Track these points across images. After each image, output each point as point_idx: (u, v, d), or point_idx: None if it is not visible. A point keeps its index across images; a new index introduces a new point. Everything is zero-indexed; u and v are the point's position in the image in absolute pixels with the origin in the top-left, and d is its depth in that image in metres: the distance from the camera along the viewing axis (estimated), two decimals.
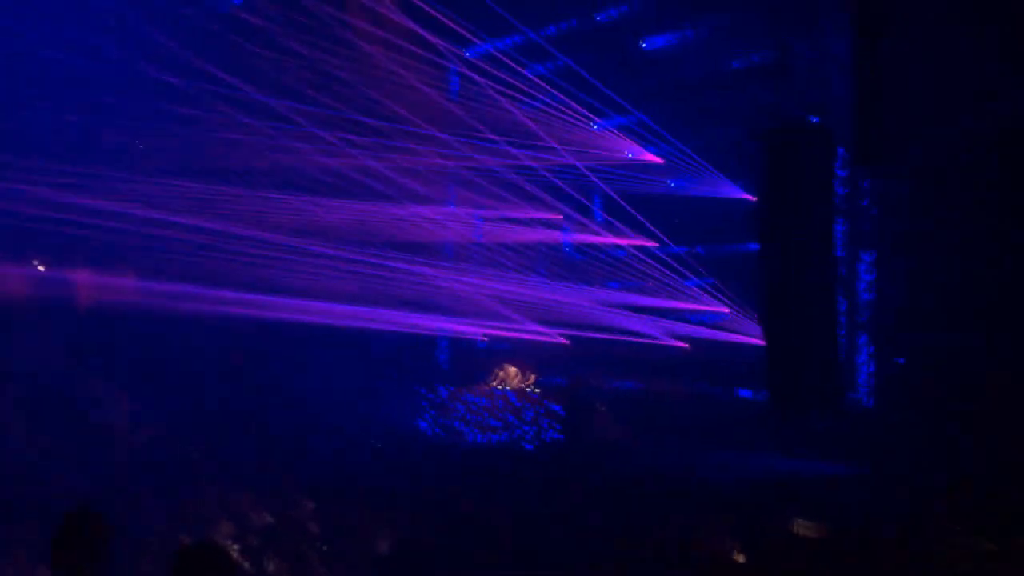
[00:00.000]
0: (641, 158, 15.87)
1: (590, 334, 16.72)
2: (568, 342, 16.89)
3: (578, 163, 16.25)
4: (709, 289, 15.65)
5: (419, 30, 15.00)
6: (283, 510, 12.15)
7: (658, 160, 15.54)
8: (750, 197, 14.83)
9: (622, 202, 16.41)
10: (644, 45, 16.01)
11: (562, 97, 15.78)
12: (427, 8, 14.51)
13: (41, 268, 17.43)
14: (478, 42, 16.54)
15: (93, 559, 3.76)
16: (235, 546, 10.61)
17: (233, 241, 15.70)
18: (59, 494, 10.84)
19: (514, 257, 17.63)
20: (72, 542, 3.77)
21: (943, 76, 11.70)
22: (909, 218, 12.78)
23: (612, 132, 15.98)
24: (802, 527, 10.50)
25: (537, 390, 15.64)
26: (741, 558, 9.36)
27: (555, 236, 17.74)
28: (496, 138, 16.07)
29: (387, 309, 16.86)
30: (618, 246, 16.80)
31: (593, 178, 16.28)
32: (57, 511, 3.86)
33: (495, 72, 15.88)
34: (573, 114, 15.69)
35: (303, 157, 15.82)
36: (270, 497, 12.63)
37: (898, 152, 12.05)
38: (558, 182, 16.53)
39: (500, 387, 16.10)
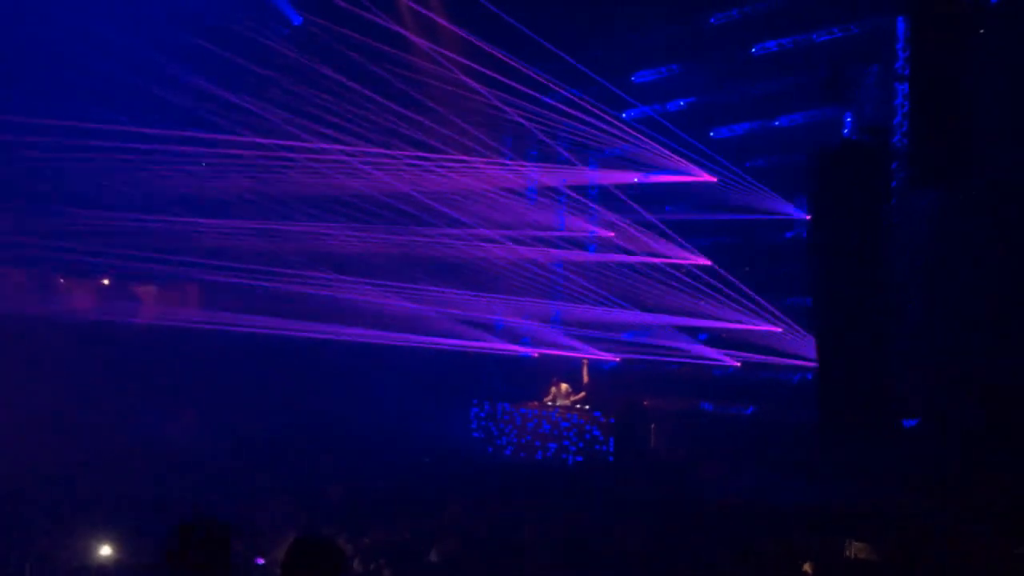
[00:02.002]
0: (696, 178, 15.91)
1: (642, 355, 16.77)
2: (619, 359, 16.94)
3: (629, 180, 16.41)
4: (760, 310, 15.60)
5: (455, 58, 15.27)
6: (334, 522, 12.31)
7: (711, 179, 15.57)
8: (804, 216, 14.79)
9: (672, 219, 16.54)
10: None
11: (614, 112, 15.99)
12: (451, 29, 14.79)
13: (106, 282, 17.99)
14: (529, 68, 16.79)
15: (212, 568, 3.58)
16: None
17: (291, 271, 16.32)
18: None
19: (565, 276, 17.79)
20: (190, 551, 3.56)
21: (1006, 95, 11.59)
22: (965, 239, 12.61)
23: (668, 151, 16.07)
24: (856, 549, 10.38)
25: (587, 407, 15.66)
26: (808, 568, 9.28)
27: (607, 256, 17.84)
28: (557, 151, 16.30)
29: (440, 328, 17.16)
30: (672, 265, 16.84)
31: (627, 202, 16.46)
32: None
33: (555, 87, 16.06)
34: (628, 131, 15.82)
35: (361, 183, 16.19)
36: (323, 510, 12.85)
37: (956, 172, 11.94)
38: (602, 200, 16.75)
39: (551, 403, 16.17)
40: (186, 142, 15.17)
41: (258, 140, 15.20)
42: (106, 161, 14.71)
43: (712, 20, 15.84)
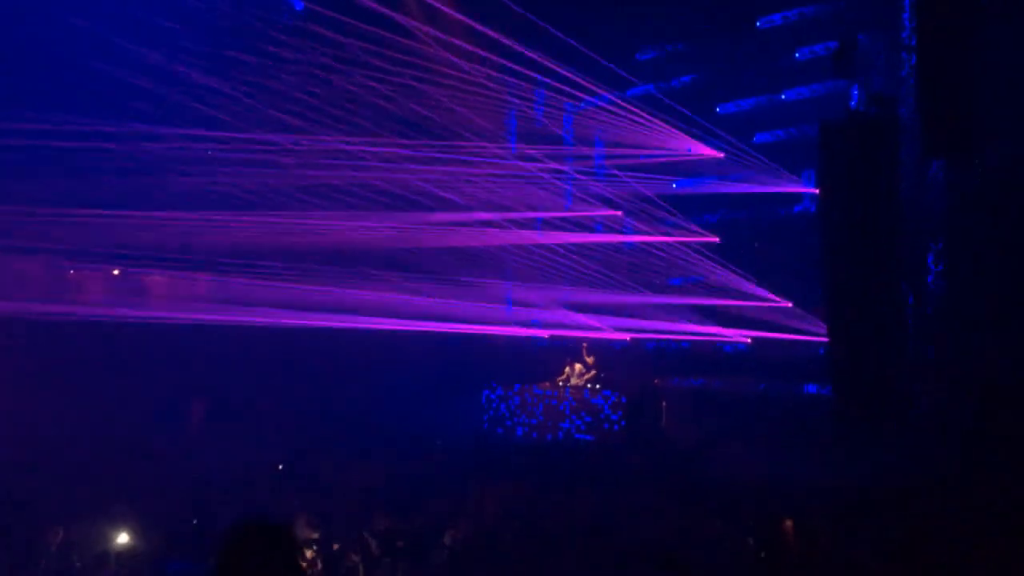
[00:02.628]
0: (700, 153, 15.81)
1: (652, 334, 16.74)
2: (629, 339, 16.91)
3: (637, 160, 16.33)
4: (770, 285, 15.55)
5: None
6: (349, 508, 12.35)
7: (718, 155, 15.47)
8: (815, 191, 14.69)
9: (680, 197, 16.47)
10: None
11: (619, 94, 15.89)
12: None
13: (116, 272, 18.02)
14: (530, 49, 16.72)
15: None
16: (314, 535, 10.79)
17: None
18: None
19: (575, 258, 17.73)
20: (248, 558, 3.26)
21: (1019, 65, 11.42)
22: (978, 210, 12.48)
23: (673, 127, 15.97)
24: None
25: (598, 386, 15.65)
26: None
27: (615, 236, 17.80)
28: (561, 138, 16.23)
29: (449, 314, 17.16)
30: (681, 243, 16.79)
31: (632, 182, 16.39)
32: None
33: (556, 69, 16.00)
34: (632, 112, 15.73)
35: (369, 172, 16.14)
36: (335, 495, 12.88)
37: (968, 143, 11.80)
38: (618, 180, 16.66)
39: (563, 383, 16.17)
40: (184, 137, 15.13)
41: (261, 134, 15.15)
42: (107, 159, 14.68)
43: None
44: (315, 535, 10.82)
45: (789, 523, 9.16)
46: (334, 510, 11.87)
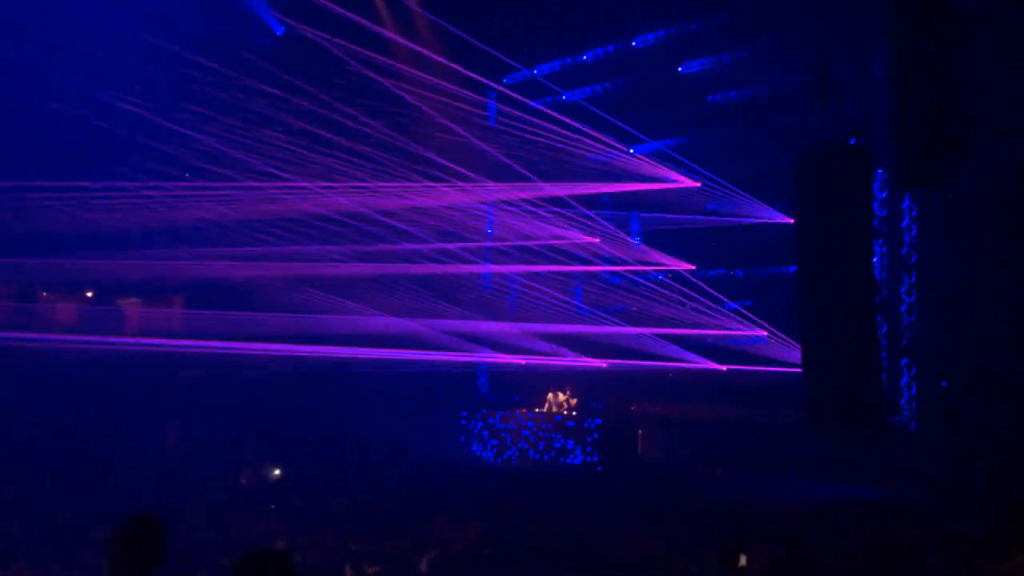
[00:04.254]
0: (677, 184, 15.93)
1: (629, 361, 16.76)
2: (606, 366, 16.91)
3: (614, 190, 16.44)
4: (747, 313, 15.62)
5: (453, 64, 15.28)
6: (325, 531, 12.23)
7: (694, 184, 15.59)
8: (788, 220, 14.81)
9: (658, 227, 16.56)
10: (681, 70, 16.11)
11: (595, 126, 16.00)
12: (460, 33, 14.77)
13: (89, 295, 17.86)
14: (517, 67, 16.82)
15: (148, 561, 3.85)
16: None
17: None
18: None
19: (552, 285, 17.76)
20: (127, 544, 3.84)
21: (989, 98, 11.63)
22: (950, 240, 12.67)
23: (646, 159, 16.08)
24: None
25: (575, 413, 15.63)
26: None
27: (592, 267, 17.84)
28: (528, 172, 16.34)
29: (430, 344, 17.11)
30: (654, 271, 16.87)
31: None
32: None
33: (531, 103, 16.12)
34: (609, 141, 15.83)
35: (334, 201, 16.13)
36: (313, 519, 12.77)
37: (939, 174, 11.94)
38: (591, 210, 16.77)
39: (542, 411, 16.13)
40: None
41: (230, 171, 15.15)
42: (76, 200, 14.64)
43: (694, 26, 15.81)
44: None
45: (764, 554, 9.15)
46: (312, 539, 11.77)
